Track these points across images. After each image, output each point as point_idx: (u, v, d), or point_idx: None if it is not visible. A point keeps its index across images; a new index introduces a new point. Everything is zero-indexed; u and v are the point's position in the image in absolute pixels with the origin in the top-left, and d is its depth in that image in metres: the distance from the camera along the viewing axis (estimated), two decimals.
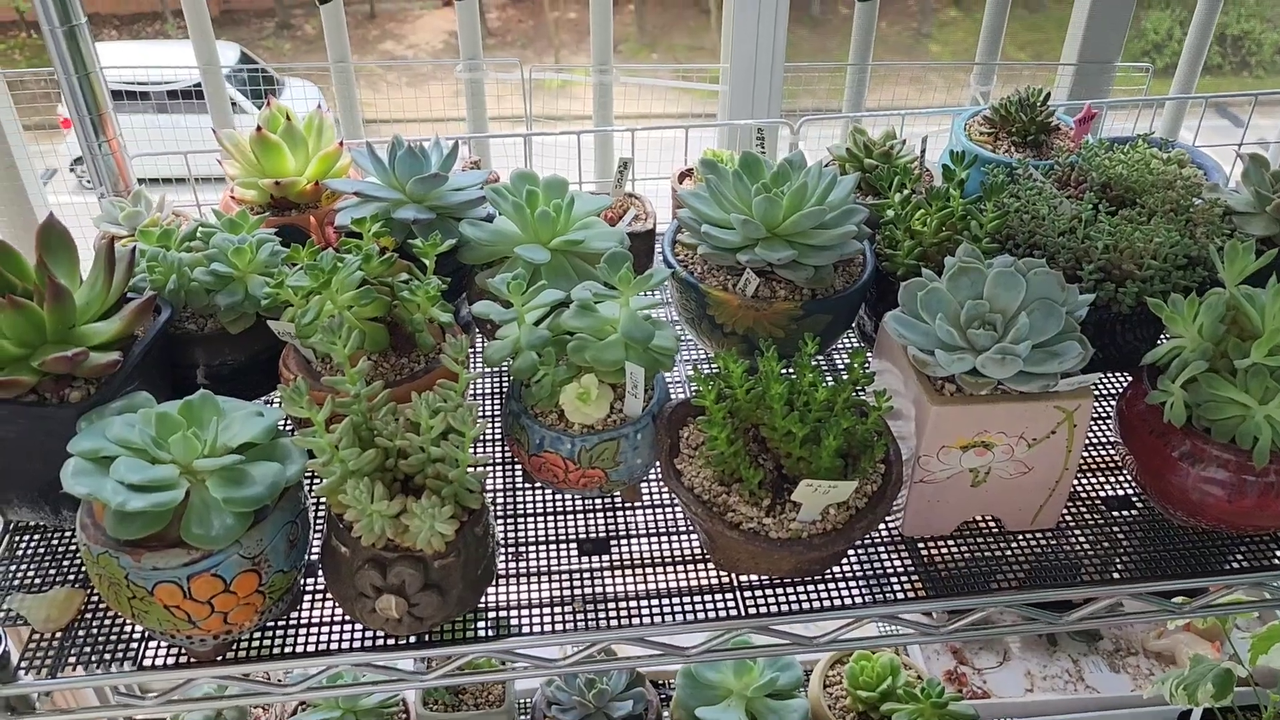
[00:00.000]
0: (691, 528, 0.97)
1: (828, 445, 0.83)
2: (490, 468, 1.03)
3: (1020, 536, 0.96)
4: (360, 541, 0.81)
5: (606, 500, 1.01)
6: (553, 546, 0.97)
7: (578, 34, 8.88)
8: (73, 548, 0.97)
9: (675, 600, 0.91)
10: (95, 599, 0.92)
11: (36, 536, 0.98)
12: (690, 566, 0.95)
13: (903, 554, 0.95)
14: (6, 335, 0.86)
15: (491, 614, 0.90)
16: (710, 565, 0.94)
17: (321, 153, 1.15)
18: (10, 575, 0.94)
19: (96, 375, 0.89)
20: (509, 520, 0.99)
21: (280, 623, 0.90)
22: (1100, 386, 1.15)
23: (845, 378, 0.87)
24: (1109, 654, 1.53)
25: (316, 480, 1.00)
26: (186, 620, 0.80)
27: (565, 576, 0.94)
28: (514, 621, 0.90)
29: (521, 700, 1.40)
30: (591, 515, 1.00)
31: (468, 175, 1.11)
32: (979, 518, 0.97)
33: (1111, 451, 1.06)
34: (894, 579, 0.93)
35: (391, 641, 0.87)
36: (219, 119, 1.73)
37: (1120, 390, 1.13)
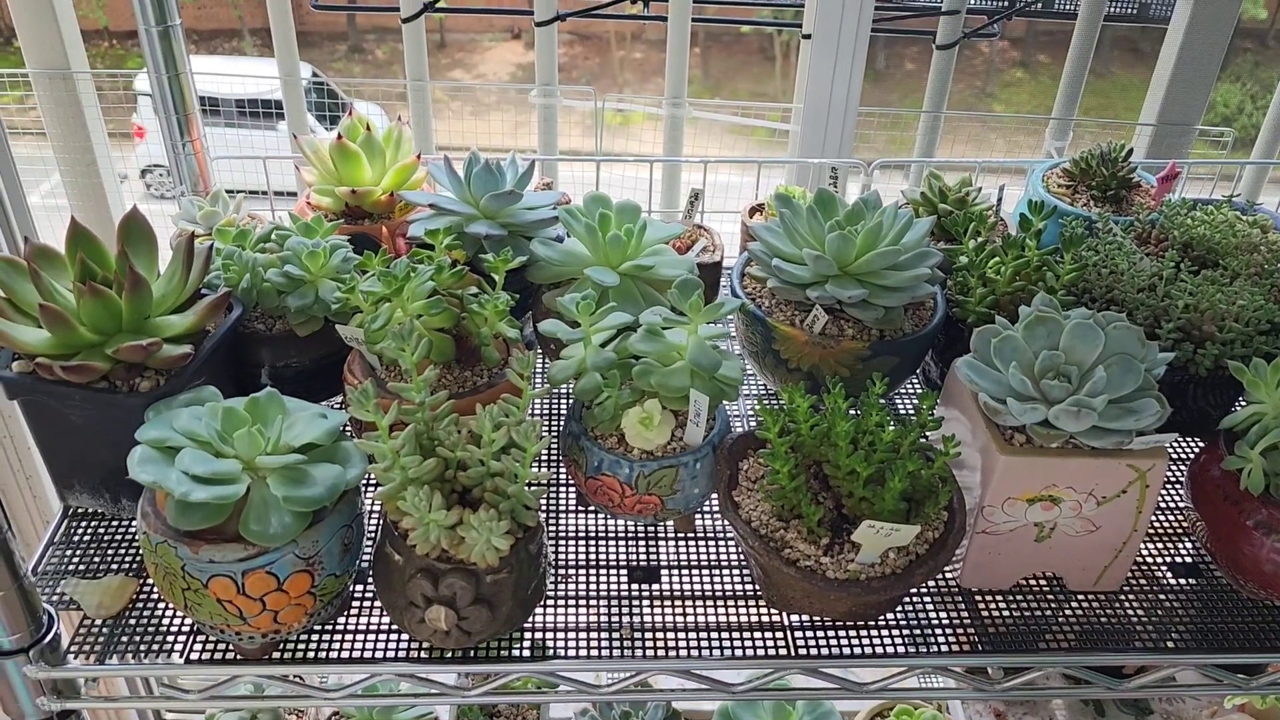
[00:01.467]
0: (744, 563, 0.96)
1: (892, 487, 0.81)
2: (545, 487, 1.03)
3: (1081, 597, 0.93)
4: (415, 550, 0.81)
5: (659, 529, 1.00)
6: (602, 571, 0.96)
7: (642, 74, 8.98)
8: (128, 536, 0.97)
9: (723, 635, 0.90)
10: (147, 589, 0.92)
11: (94, 523, 0.98)
12: (740, 602, 0.93)
13: (959, 605, 0.92)
14: (84, 322, 0.88)
15: (536, 634, 0.89)
16: (760, 603, 0.92)
17: (398, 164, 1.16)
18: (66, 559, 0.94)
19: (167, 367, 0.90)
20: (560, 541, 0.98)
21: (326, 627, 0.89)
22: (1170, 449, 1.12)
23: (912, 420, 0.85)
24: None
25: (374, 486, 1.00)
26: (238, 615, 0.80)
27: (613, 603, 0.93)
28: (558, 644, 0.89)
29: None
30: (643, 543, 0.99)
31: (540, 195, 1.12)
32: (1040, 574, 0.95)
33: (1179, 516, 1.03)
34: (948, 630, 0.90)
35: (434, 654, 0.86)
36: (296, 128, 1.76)
37: (1190, 455, 1.10)
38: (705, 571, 0.96)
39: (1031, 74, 8.81)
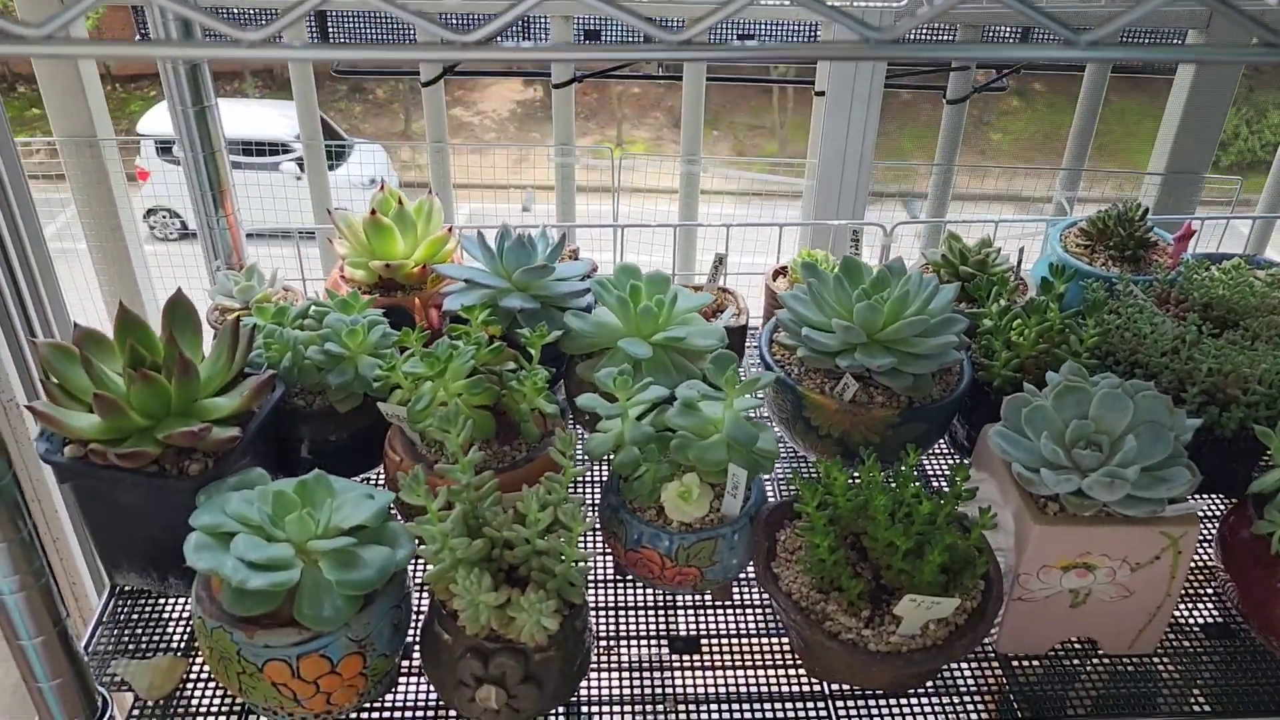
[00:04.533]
0: (781, 630, 0.97)
1: (932, 560, 0.83)
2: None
3: (1116, 660, 0.95)
4: (464, 630, 0.82)
5: (697, 599, 1.01)
6: (642, 642, 0.97)
7: (640, 108, 9.06)
8: (173, 614, 0.99)
9: (765, 705, 0.91)
10: (195, 669, 0.93)
11: (140, 602, 1.00)
12: (779, 671, 0.94)
13: (996, 670, 0.94)
14: (135, 407, 0.90)
15: (582, 708, 0.91)
16: (800, 670, 0.93)
17: (430, 237, 1.19)
18: (115, 639, 0.96)
19: (216, 450, 0.92)
20: (599, 612, 1.00)
21: (374, 704, 0.90)
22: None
23: (946, 490, 0.87)
24: None
25: (420, 566, 1.02)
26: (292, 699, 0.82)
27: (654, 673, 0.94)
28: (602, 717, 0.90)
29: None
30: (682, 612, 1.00)
31: (570, 266, 1.14)
32: (1075, 639, 0.96)
33: (1208, 576, 1.04)
34: (986, 697, 0.91)
35: None
36: (317, 192, 1.79)
37: (1219, 514, 1.12)
38: (745, 640, 0.97)
39: (1028, 102, 8.89)
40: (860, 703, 0.91)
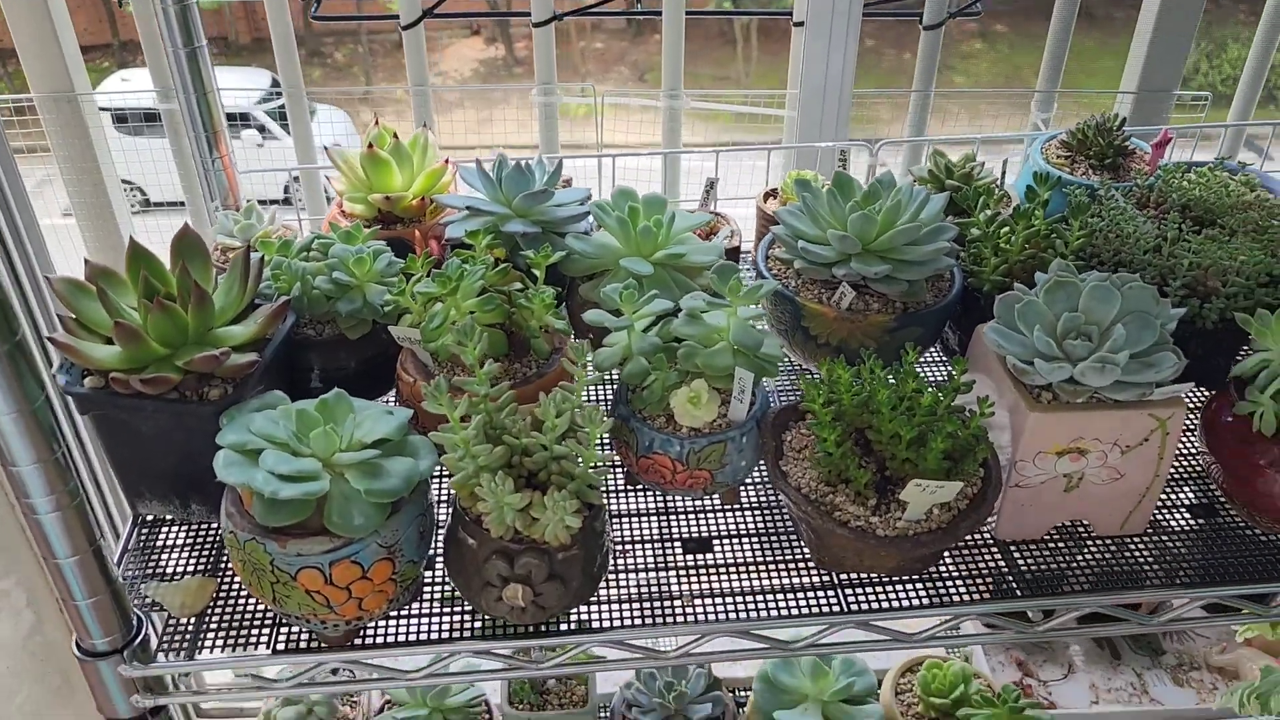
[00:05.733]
0: (790, 529, 1.01)
1: (934, 447, 0.87)
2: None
3: (1109, 541, 0.99)
4: (490, 534, 0.86)
5: (706, 503, 1.05)
6: (656, 545, 1.01)
7: (603, 63, 9.00)
8: (199, 539, 1.01)
9: (778, 596, 0.95)
10: (224, 588, 0.96)
11: (164, 529, 1.02)
12: (789, 566, 0.98)
13: (995, 555, 0.98)
14: (153, 336, 0.92)
15: (601, 605, 0.94)
16: (809, 564, 0.98)
17: (427, 169, 1.20)
18: (144, 565, 0.98)
19: (234, 375, 0.94)
20: (612, 519, 1.03)
21: (393, 613, 0.93)
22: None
23: (946, 384, 0.91)
24: (1172, 669, 1.55)
25: (444, 476, 1.05)
26: (325, 605, 0.85)
27: (669, 573, 0.98)
28: (620, 616, 0.94)
29: (600, 706, 1.43)
30: (692, 517, 1.04)
31: (568, 192, 1.16)
32: (1070, 522, 1.01)
33: (1194, 464, 1.09)
34: (987, 580, 0.96)
35: (500, 632, 0.91)
36: (301, 144, 1.79)
37: (1200, 405, 1.16)
38: (755, 539, 1.01)
39: (990, 44, 8.90)
40: (869, 590, 0.95)
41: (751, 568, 0.98)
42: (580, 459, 0.86)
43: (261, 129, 5.70)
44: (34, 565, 1.20)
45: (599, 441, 0.86)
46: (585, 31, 9.21)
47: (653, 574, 0.98)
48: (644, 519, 1.03)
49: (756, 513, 1.04)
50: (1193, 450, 1.11)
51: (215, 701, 1.48)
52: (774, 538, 1.01)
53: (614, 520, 1.03)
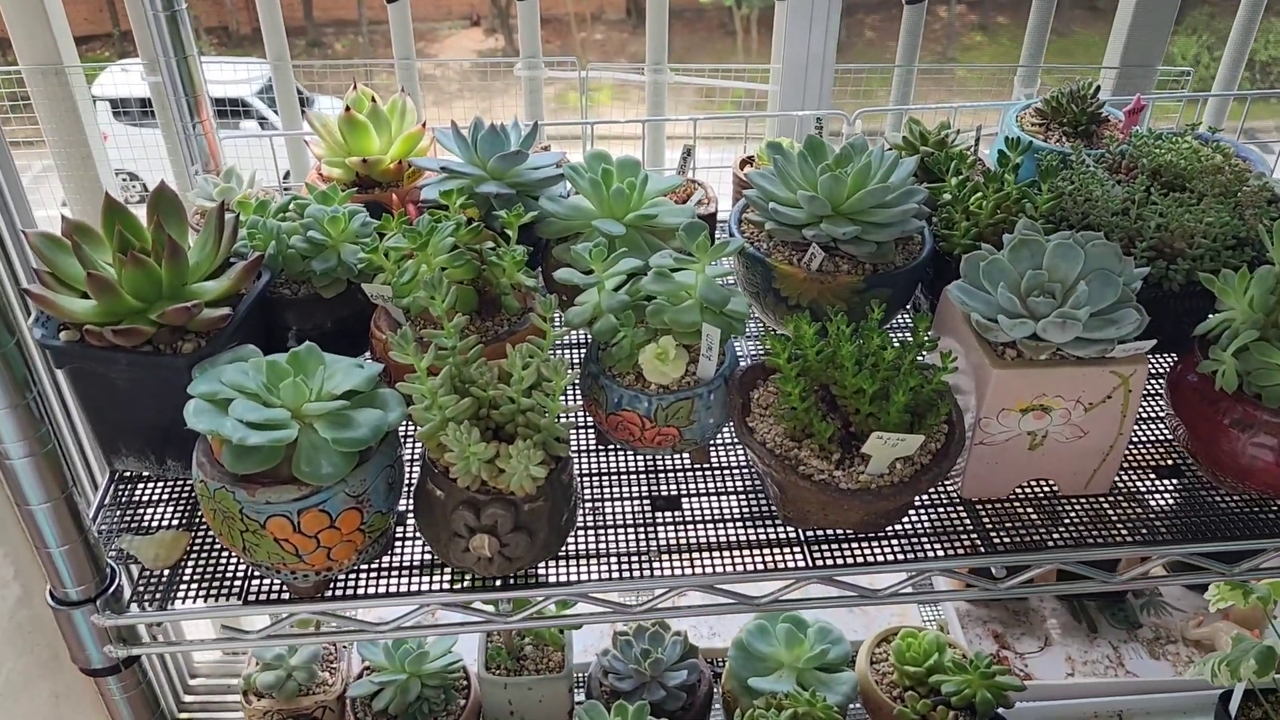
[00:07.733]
0: (758, 486, 1.02)
1: (897, 400, 0.88)
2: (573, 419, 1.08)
3: (1074, 500, 1.00)
4: (456, 484, 0.87)
5: (675, 461, 1.06)
6: (626, 503, 1.02)
7: (604, 54, 9.00)
8: (174, 495, 1.02)
9: (745, 552, 0.96)
10: (198, 543, 0.97)
11: (139, 486, 1.03)
12: (757, 523, 0.99)
13: (961, 514, 0.99)
14: (127, 289, 0.93)
15: (570, 561, 0.95)
16: (776, 522, 0.99)
17: (405, 133, 1.21)
18: (121, 520, 1.00)
19: (207, 329, 0.95)
20: (583, 479, 1.04)
21: (366, 568, 0.95)
22: (1149, 364, 1.19)
23: (910, 341, 0.92)
24: (1149, 641, 1.57)
25: (412, 430, 1.06)
26: (294, 554, 0.86)
27: (638, 530, 0.99)
28: (590, 570, 0.95)
29: (577, 674, 1.45)
30: (661, 475, 1.05)
31: (543, 155, 1.17)
32: (1034, 481, 1.01)
33: (1160, 426, 1.10)
34: (952, 538, 0.97)
35: (474, 587, 0.92)
36: (287, 113, 1.80)
37: (1168, 369, 1.17)
38: (724, 498, 1.02)
39: (991, 37, 8.89)
40: (835, 546, 0.96)
41: (720, 525, 0.99)
42: (547, 411, 0.87)
43: (263, 121, 5.71)
44: (20, 537, 1.21)
45: (565, 395, 0.87)
46: (586, 23, 9.21)
47: (621, 531, 0.99)
48: (614, 478, 1.04)
49: (727, 473, 1.05)
50: (1159, 414, 1.12)
51: (200, 660, 1.50)
52: (743, 496, 1.02)
53: (585, 480, 1.04)
